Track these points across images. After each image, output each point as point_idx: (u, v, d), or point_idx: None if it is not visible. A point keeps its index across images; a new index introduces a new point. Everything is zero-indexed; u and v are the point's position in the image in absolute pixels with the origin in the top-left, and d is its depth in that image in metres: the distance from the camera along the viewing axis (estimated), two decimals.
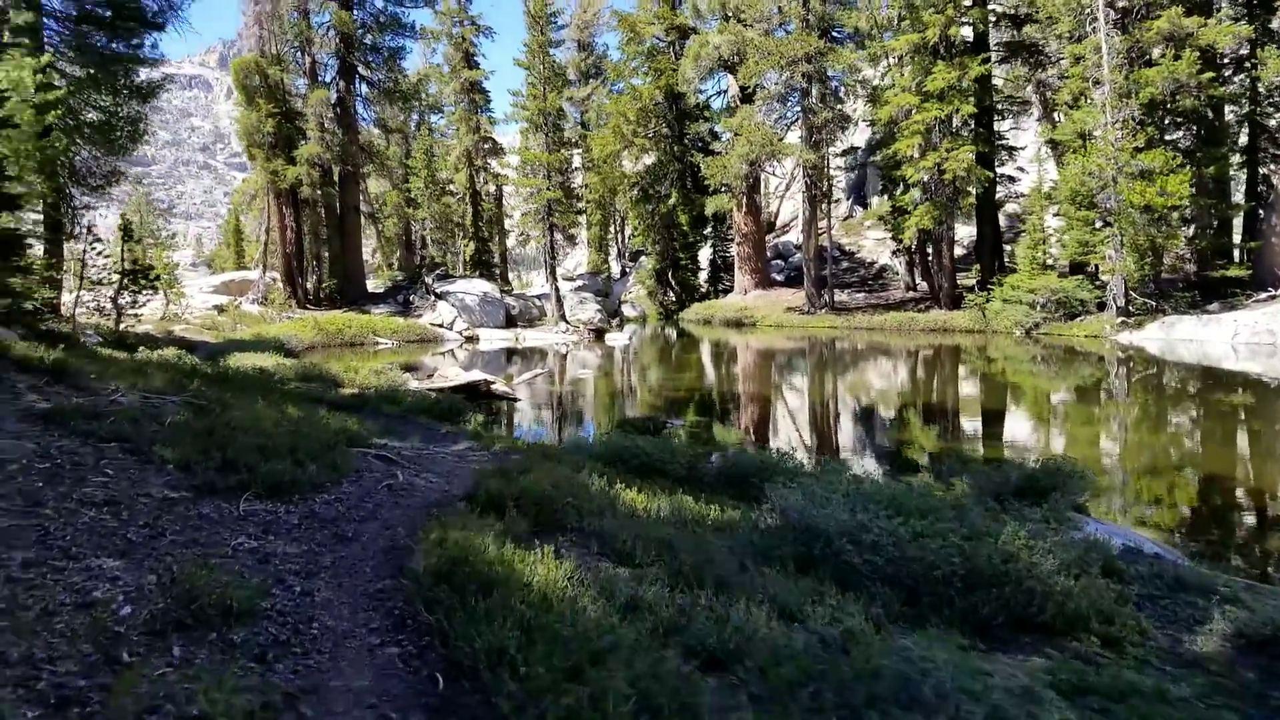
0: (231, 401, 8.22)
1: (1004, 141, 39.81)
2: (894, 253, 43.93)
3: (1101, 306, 31.93)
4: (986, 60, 35.72)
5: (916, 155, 36.33)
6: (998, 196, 39.31)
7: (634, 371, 23.64)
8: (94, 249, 19.21)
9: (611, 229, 69.01)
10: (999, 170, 38.71)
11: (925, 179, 35.89)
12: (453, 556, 3.79)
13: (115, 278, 19.20)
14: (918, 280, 42.84)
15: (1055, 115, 42.16)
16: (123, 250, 19.72)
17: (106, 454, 5.37)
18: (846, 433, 14.31)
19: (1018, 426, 14.64)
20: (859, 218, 56.93)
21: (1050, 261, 35.27)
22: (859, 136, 53.11)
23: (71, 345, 10.55)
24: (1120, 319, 30.20)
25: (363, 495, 5.77)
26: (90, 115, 23.19)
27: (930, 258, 39.40)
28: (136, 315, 20.49)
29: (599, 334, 36.98)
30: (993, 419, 15.40)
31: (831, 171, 44.31)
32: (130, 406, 6.61)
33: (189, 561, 3.86)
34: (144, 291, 19.71)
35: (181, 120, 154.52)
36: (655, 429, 12.71)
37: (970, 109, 34.38)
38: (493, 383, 16.80)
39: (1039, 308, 32.46)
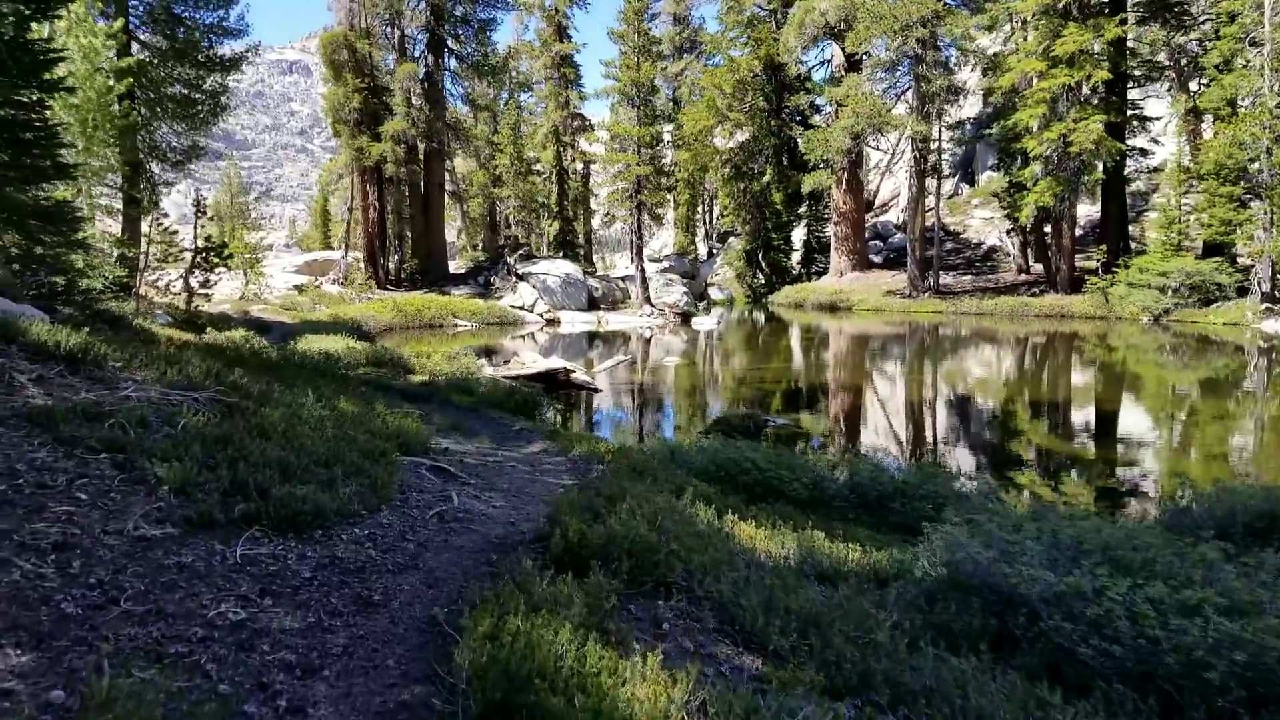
0: (275, 394, 7.16)
1: (1135, 111, 36.57)
2: (1008, 232, 41.14)
3: (1242, 292, 29.08)
4: (1124, 21, 32.70)
5: (1039, 126, 33.65)
6: (1126, 172, 36.22)
7: (722, 359, 22.18)
8: (159, 226, 18.71)
9: (699, 209, 67.51)
10: (1128, 143, 35.59)
11: (1047, 152, 33.17)
12: (509, 671, 2.50)
13: (186, 256, 18.61)
14: (1030, 262, 40.07)
15: (1192, 83, 38.83)
16: (195, 228, 19.18)
17: (88, 470, 4.28)
18: (972, 435, 12.60)
19: (1173, 429, 12.67)
20: (964, 196, 54.03)
21: (1184, 243, 32.33)
22: (967, 109, 50.29)
23: (120, 327, 9.72)
24: (1265, 305, 27.32)
25: (405, 529, 4.55)
26: (173, 88, 22.85)
27: (1048, 238, 36.64)
28: (207, 295, 19.99)
29: (685, 318, 35.58)
30: (1138, 419, 13.45)
31: (940, 146, 41.60)
32: (141, 404, 5.56)
33: (130, 654, 2.69)
34: (216, 270, 19.10)
35: (282, 105, 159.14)
36: (755, 428, 11.32)
37: (1104, 75, 31.55)
38: (572, 371, 15.62)
39: (1170, 292, 29.71)
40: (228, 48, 23.65)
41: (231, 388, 6.77)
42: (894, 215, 58.23)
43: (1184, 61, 37.96)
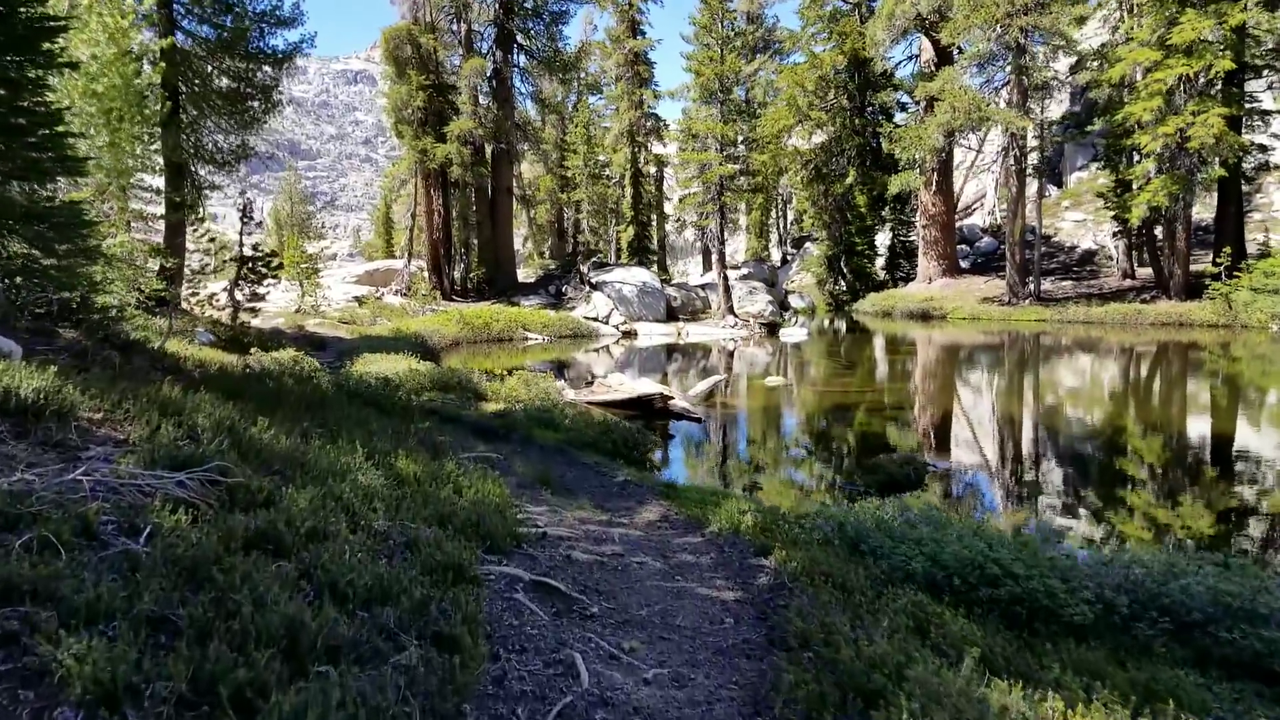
0: (310, 456, 5.28)
1: (1255, 104, 33.17)
2: (1114, 234, 37.87)
3: None
4: (1246, 7, 29.52)
5: (1153, 120, 30.62)
6: (1246, 169, 32.93)
7: (825, 377, 19.81)
8: (198, 233, 17.28)
9: (774, 213, 65.34)
10: (1247, 138, 32.25)
11: (1161, 148, 30.09)
12: None
13: (232, 267, 17.14)
14: (1135, 267, 36.92)
15: None
16: (241, 235, 17.71)
17: None
18: (1197, 480, 10.15)
19: None
20: (1054, 198, 50.75)
21: None
22: (1053, 109, 47.21)
23: (134, 353, 8.00)
24: None
25: None
26: (220, 82, 21.53)
27: (1159, 240, 33.47)
28: (254, 309, 18.52)
29: (771, 329, 33.30)
30: None
31: (1043, 144, 38.56)
32: (99, 491, 3.69)
33: None
34: (266, 282, 17.59)
35: (346, 114, 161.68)
36: (915, 476, 9.15)
37: (1227, 64, 28.43)
38: (669, 398, 13.56)
39: None
40: (281, 38, 22.30)
41: (246, 452, 4.88)
42: (979, 218, 55.37)
43: None
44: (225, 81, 21.85)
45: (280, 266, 19.32)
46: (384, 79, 36.60)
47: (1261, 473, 10.18)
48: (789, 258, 61.42)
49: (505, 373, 15.33)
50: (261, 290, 18.25)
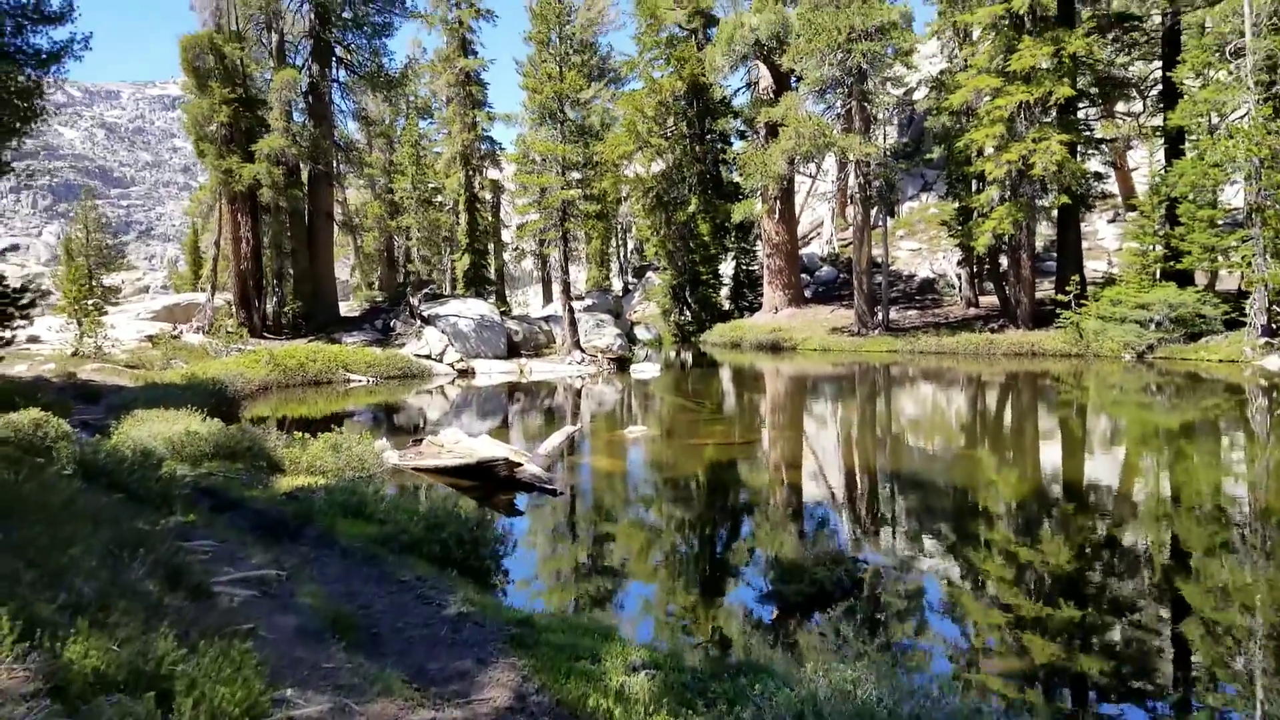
0: None
1: (1088, 132, 34.52)
2: (959, 262, 38.59)
3: (1230, 324, 26.81)
4: (1086, 34, 30.53)
5: (995, 148, 31.16)
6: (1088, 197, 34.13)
7: (693, 423, 17.85)
8: None
9: (614, 242, 64.02)
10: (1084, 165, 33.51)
11: (1004, 175, 30.54)
12: None
13: None
14: (978, 295, 37.74)
15: (1147, 101, 37.46)
16: None
17: None
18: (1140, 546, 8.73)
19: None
20: (888, 226, 52.09)
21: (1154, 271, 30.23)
22: (882, 139, 48.60)
23: None
24: (1264, 339, 24.99)
25: None
26: None
27: (1004, 268, 34.14)
28: None
29: (620, 364, 31.35)
30: None
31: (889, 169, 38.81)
32: None
33: None
34: (15, 323, 13.91)
35: (163, 141, 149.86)
36: (849, 580, 7.26)
37: (1067, 91, 29.18)
38: (516, 464, 11.14)
39: (1153, 326, 27.22)
40: (45, 37, 18.42)
41: None
42: (816, 247, 56.04)
43: (1141, 81, 36.51)
44: None
45: (31, 305, 15.52)
46: (184, 91, 32.35)
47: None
48: (630, 287, 60.23)
49: (308, 435, 12.42)
50: (6, 334, 14.46)
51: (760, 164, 36.14)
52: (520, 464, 11.03)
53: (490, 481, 11.29)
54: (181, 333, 30.24)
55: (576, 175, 30.02)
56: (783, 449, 15.39)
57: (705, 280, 45.45)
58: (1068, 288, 30.19)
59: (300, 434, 12.49)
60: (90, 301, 25.46)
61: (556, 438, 13.87)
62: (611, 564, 8.66)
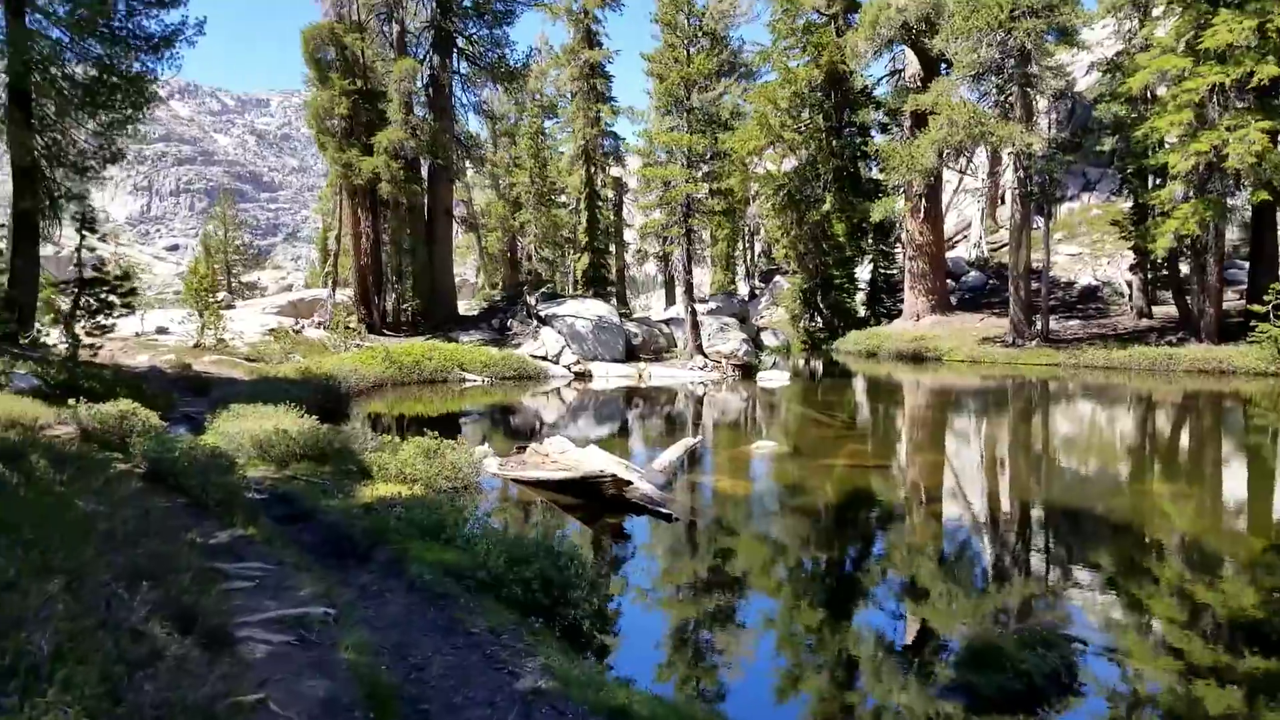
0: None
1: None
2: (1131, 267, 34.96)
3: None
4: None
5: (1181, 137, 27.75)
6: None
7: (833, 441, 15.95)
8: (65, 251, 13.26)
9: (740, 245, 62.02)
10: None
11: (1191, 169, 27.11)
12: None
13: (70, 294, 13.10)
14: (1151, 305, 34.03)
15: None
16: (79, 253, 13.68)
17: None
18: None
19: None
20: (1049, 227, 48.22)
21: None
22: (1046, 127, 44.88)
23: None
24: None
25: None
26: (78, 69, 17.56)
27: (1184, 275, 30.58)
28: (92, 345, 14.44)
29: (746, 370, 29.67)
30: None
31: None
32: None
33: None
34: (114, 312, 13.56)
35: (308, 146, 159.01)
36: (1066, 673, 5.48)
37: (1271, 70, 25.52)
38: (626, 481, 9.71)
39: None
40: (157, 21, 18.37)
41: None
42: (962, 250, 52.39)
43: None
44: (85, 70, 17.87)
45: (133, 292, 15.27)
46: (307, 85, 32.67)
47: None
48: (757, 292, 58.23)
49: (401, 438, 11.37)
50: (112, 321, 14.17)
51: (905, 157, 33.65)
52: (630, 482, 9.61)
53: (596, 499, 9.92)
54: (303, 327, 30.45)
55: (703, 169, 28.55)
56: (938, 477, 13.42)
57: (839, 284, 43.06)
58: (1265, 297, 26.48)
59: (389, 437, 11.49)
60: (217, 296, 25.73)
61: (674, 451, 12.42)
62: (738, 623, 7.08)
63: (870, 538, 9.67)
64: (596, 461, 10.59)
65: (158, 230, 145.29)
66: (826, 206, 41.43)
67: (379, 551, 7.11)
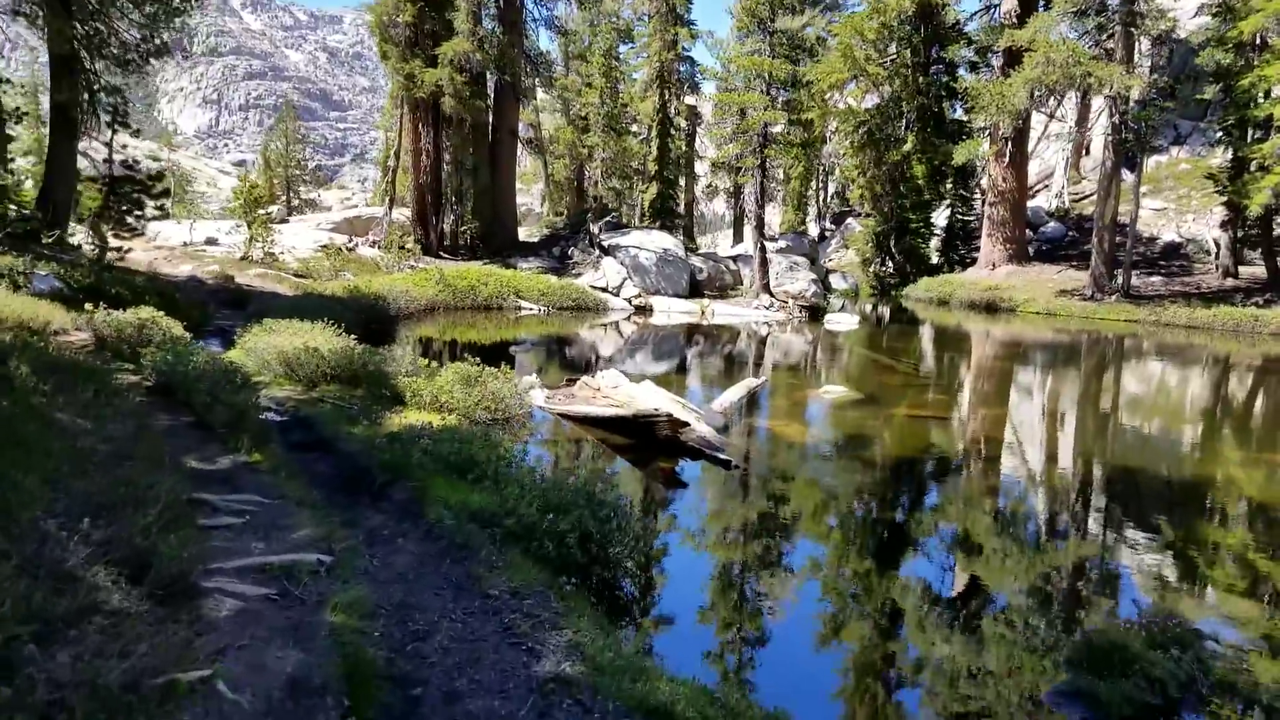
0: None
1: None
2: (1221, 224, 32.45)
3: None
4: None
5: None
6: None
7: (906, 390, 14.76)
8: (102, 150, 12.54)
9: (814, 184, 59.88)
10: None
11: None
12: None
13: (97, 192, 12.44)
14: (1238, 265, 31.73)
15: None
16: (110, 149, 12.98)
17: None
18: None
19: None
20: (1129, 183, 45.38)
21: None
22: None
23: None
24: None
25: None
26: None
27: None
28: (119, 248, 13.83)
29: (813, 312, 28.31)
30: None
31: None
32: None
33: None
34: (143, 212, 12.89)
35: (380, 66, 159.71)
36: (1205, 675, 4.42)
37: None
38: (682, 422, 8.73)
39: None
40: None
41: None
42: (1043, 200, 49.67)
43: None
44: None
45: (166, 194, 14.60)
46: None
47: None
48: (827, 234, 56.30)
49: (456, 360, 10.53)
50: (142, 223, 13.55)
51: (996, 97, 31.39)
52: (687, 423, 8.62)
53: (649, 440, 8.97)
54: (356, 245, 29.87)
55: (782, 97, 26.87)
56: (1024, 429, 12.16)
57: (914, 229, 41.11)
58: None
59: (428, 363, 10.65)
60: (269, 208, 25.21)
61: (736, 391, 11.39)
62: (803, 593, 6.09)
63: (962, 502, 8.50)
64: (651, 399, 9.63)
65: (225, 145, 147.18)
66: (907, 146, 39.44)
67: (397, 489, 6.27)
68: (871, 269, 41.46)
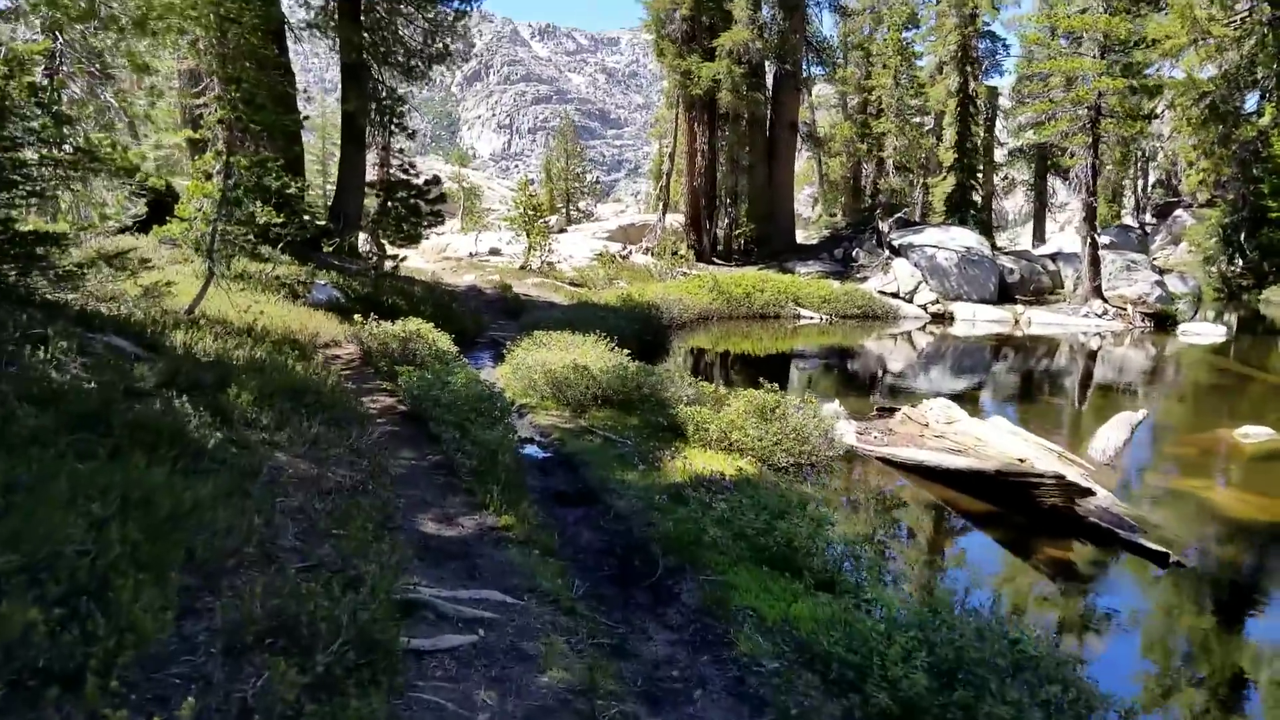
0: None
1: None
2: None
3: None
4: None
5: None
6: None
7: None
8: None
9: (1133, 170, 52.81)
10: None
11: None
12: None
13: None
14: None
15: None
16: (387, 168, 12.56)
17: None
18: None
19: None
20: None
21: None
22: None
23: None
24: None
25: None
26: None
27: None
28: (394, 257, 13.42)
29: (1158, 321, 23.74)
30: None
31: None
32: None
33: None
34: (424, 224, 12.37)
35: (654, 84, 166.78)
36: None
37: None
38: (1084, 490, 6.20)
39: None
40: None
41: None
42: None
43: None
44: None
45: (441, 199, 14.10)
46: None
47: None
48: (1148, 229, 49.50)
49: (731, 374, 8.74)
50: (410, 230, 13.12)
51: None
52: (1091, 490, 6.11)
53: (1016, 504, 6.56)
54: (630, 253, 29.51)
55: (1122, 60, 22.82)
56: None
57: (1275, 219, 34.53)
58: None
59: (708, 385, 8.93)
60: (548, 219, 25.24)
61: (1115, 431, 8.67)
62: None
63: None
64: (1008, 444, 7.22)
65: (515, 166, 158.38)
66: (1265, 120, 33.20)
67: (685, 583, 4.46)
68: (1217, 268, 35.39)
